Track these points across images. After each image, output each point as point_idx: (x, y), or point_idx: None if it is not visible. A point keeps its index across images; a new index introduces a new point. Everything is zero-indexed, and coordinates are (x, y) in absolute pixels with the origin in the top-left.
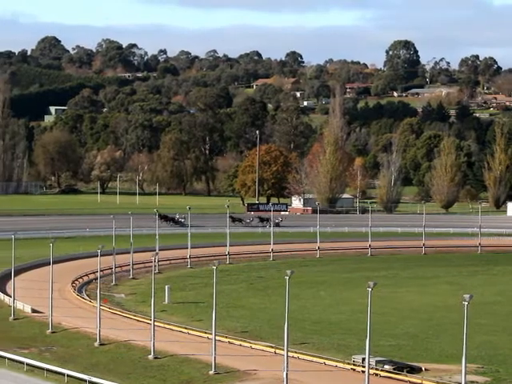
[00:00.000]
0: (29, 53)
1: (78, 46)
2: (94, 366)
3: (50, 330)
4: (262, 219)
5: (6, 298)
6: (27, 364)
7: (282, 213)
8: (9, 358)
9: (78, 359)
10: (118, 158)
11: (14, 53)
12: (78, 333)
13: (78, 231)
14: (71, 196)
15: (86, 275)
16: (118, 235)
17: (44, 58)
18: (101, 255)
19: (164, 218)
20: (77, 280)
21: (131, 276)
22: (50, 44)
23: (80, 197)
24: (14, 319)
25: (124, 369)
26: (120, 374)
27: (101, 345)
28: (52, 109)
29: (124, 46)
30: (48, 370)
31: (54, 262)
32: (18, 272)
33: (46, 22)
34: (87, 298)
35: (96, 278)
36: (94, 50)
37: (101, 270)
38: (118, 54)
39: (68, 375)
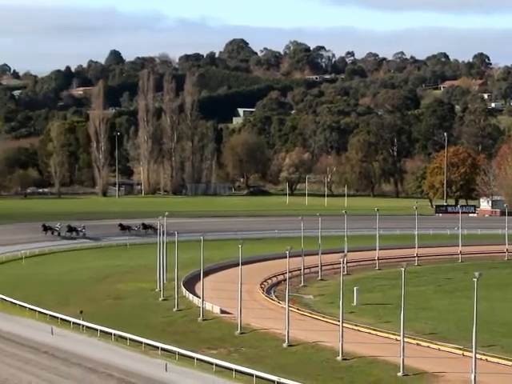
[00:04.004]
0: (217, 55)
1: (265, 49)
2: (283, 367)
3: (238, 331)
4: (145, 226)
5: (195, 299)
6: (216, 365)
7: (470, 215)
8: (198, 359)
9: (267, 360)
10: (307, 159)
11: (203, 55)
12: (266, 334)
13: (267, 232)
14: (259, 197)
15: (275, 276)
16: (306, 236)
17: (232, 61)
18: (289, 256)
19: (48, 228)
20: (265, 281)
21: (319, 277)
22: (238, 46)
23: (268, 198)
24: (203, 320)
25: (312, 370)
26: (308, 375)
27: (289, 346)
28: (240, 111)
29: (312, 48)
30: (236, 371)
31: (243, 263)
32: (207, 273)
33: (234, 25)
34: (276, 299)
35: (284, 280)
36: (282, 52)
37: (289, 272)
38: (306, 56)
39: (257, 376)
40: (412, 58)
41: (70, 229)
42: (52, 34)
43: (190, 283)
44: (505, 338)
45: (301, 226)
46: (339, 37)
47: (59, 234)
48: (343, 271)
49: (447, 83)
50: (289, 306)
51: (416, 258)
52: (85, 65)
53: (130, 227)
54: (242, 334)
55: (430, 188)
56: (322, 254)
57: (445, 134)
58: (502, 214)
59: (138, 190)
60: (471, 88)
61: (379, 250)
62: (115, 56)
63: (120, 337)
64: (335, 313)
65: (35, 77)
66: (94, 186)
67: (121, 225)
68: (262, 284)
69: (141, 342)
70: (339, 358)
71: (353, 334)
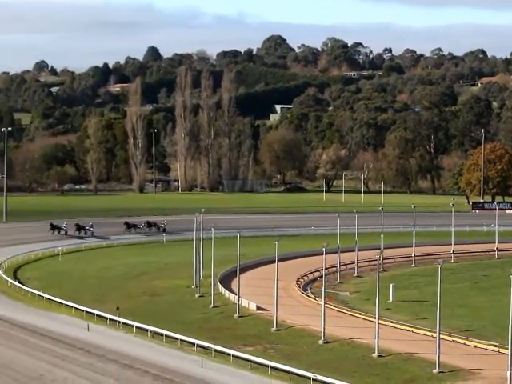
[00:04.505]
0: (254, 52)
1: (303, 45)
2: (318, 364)
3: (274, 328)
4: (149, 224)
5: (232, 296)
6: (252, 361)
7: (507, 211)
8: (234, 355)
9: (303, 357)
10: (343, 156)
11: (240, 52)
12: (302, 330)
13: (303, 229)
14: (296, 194)
15: (311, 273)
16: (342, 233)
17: (269, 57)
18: (326, 253)
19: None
20: (302, 278)
21: (356, 274)
22: (276, 43)
23: (305, 195)
24: (239, 317)
25: (348, 367)
26: (344, 371)
27: (325, 343)
28: (277, 107)
29: (349, 45)
30: (272, 368)
31: (279, 260)
32: (243, 270)
33: (271, 22)
34: (312, 295)
35: (321, 276)
36: (320, 49)
37: (326, 268)
38: (344, 52)
39: (292, 373)
40: (450, 54)
41: (79, 227)
42: (90, 30)
43: (227, 280)
44: None
45: (337, 222)
46: (377, 33)
47: (66, 233)
48: (379, 268)
49: (484, 79)
50: (325, 303)
51: (452, 255)
52: (122, 61)
53: (136, 225)
54: (278, 330)
55: (466, 185)
56: (359, 250)
57: (482, 130)
58: None
59: (174, 186)
60: (508, 84)
61: (416, 246)
62: (153, 52)
63: (156, 333)
64: (371, 309)
65: (73, 73)
66: (131, 183)
67: (126, 223)
68: (298, 281)
69: (177, 339)
70: (375, 354)
71: (389, 330)
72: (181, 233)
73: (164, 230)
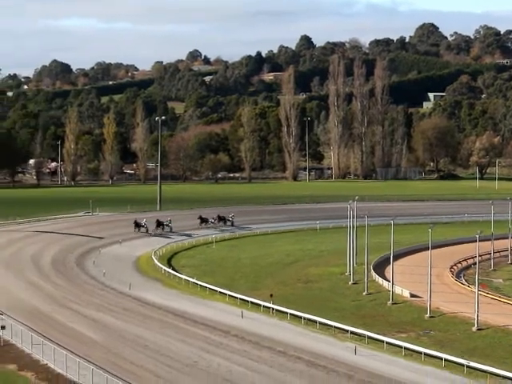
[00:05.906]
0: (407, 40)
1: (455, 33)
2: (472, 351)
3: (428, 315)
4: (220, 218)
5: (385, 283)
6: (405, 348)
7: None
8: (387, 342)
9: (456, 344)
10: (497, 143)
11: (393, 40)
12: (455, 317)
13: (457, 216)
14: (449, 181)
15: (465, 260)
16: (496, 221)
17: (422, 45)
18: (479, 240)
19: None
20: (455, 265)
21: (509, 261)
22: (428, 31)
23: (458, 182)
24: (393, 304)
25: (501, 354)
26: (497, 358)
27: (478, 330)
28: (430, 95)
29: (502, 32)
30: (425, 354)
31: (433, 247)
32: (397, 257)
33: (424, 9)
34: (465, 283)
35: (474, 263)
36: (472, 37)
37: (479, 255)
38: (496, 40)
39: (445, 359)
40: None
41: (158, 223)
42: (242, 19)
43: (380, 267)
44: None
45: (491, 209)
46: None
47: (147, 231)
48: None
49: None
50: (478, 290)
51: None
52: (275, 50)
53: (208, 219)
54: (431, 317)
55: None
56: None
57: None
58: None
59: (328, 174)
60: None
61: None
62: (306, 41)
63: (310, 320)
64: None
65: (226, 62)
66: (285, 171)
67: (200, 217)
68: (451, 268)
69: (330, 326)
70: None
71: None
72: (248, 227)
73: (232, 224)
